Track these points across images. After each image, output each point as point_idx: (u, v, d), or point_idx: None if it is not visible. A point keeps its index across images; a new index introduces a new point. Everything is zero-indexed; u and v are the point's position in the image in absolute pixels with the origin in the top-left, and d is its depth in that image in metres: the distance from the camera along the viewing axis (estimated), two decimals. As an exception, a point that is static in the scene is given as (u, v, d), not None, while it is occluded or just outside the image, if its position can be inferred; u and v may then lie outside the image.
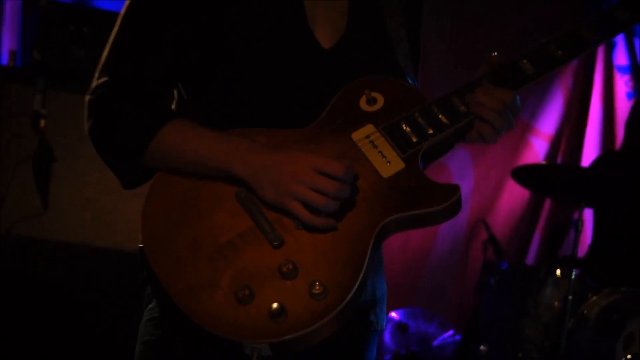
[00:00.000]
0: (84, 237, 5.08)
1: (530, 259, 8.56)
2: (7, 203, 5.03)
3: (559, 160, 8.87)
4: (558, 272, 6.84)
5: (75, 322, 4.96)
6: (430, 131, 2.63)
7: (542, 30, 8.49)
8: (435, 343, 7.64)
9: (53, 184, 5.10)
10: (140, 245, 2.55)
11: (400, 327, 7.45)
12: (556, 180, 7.29)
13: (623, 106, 8.92)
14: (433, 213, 2.56)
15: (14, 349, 4.97)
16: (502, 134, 2.68)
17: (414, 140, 2.61)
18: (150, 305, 2.70)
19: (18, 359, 5.00)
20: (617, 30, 2.78)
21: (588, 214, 7.58)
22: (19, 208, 5.05)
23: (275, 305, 2.36)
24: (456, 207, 2.58)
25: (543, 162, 8.50)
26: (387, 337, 7.36)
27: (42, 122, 5.03)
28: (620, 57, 9.15)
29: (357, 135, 2.62)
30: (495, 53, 2.73)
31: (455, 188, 2.56)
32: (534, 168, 7.52)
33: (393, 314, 7.52)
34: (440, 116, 2.64)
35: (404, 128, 2.63)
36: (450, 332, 7.74)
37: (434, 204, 2.55)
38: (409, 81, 2.80)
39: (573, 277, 6.60)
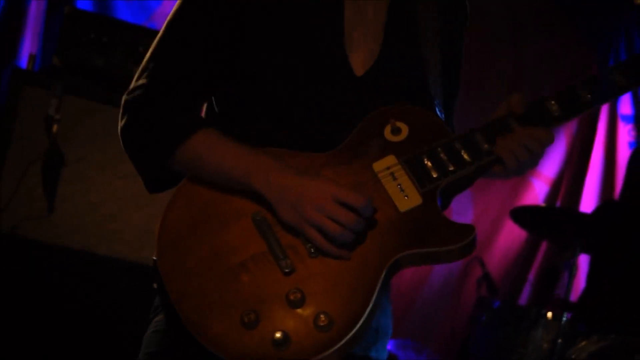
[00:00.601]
0: (86, 243, 5.08)
1: (523, 299, 8.56)
2: (14, 202, 5.03)
3: (558, 203, 8.87)
4: (549, 314, 6.86)
5: (72, 324, 4.96)
6: (451, 168, 2.62)
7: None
8: (420, 375, 7.63)
9: (60, 188, 5.10)
10: (154, 257, 2.54)
11: (389, 358, 7.45)
12: (554, 223, 7.32)
13: (625, 155, 8.92)
14: (447, 252, 2.56)
15: (12, 347, 4.97)
16: (528, 169, 2.70)
17: (434, 175, 2.60)
18: (157, 318, 2.70)
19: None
20: (614, 95, 2.79)
21: (583, 259, 7.58)
22: (25, 208, 5.05)
23: (278, 334, 2.37)
24: (471, 248, 2.57)
25: (542, 205, 8.51)
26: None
27: (55, 127, 5.04)
28: (625, 107, 9.17)
29: (378, 166, 2.61)
30: (515, 94, 2.69)
31: (470, 229, 2.55)
32: (532, 210, 7.55)
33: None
34: (462, 152, 2.63)
35: (425, 162, 2.61)
36: (439, 362, 7.75)
37: (449, 243, 2.54)
38: (437, 110, 2.80)
39: (564, 320, 6.63)
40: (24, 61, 6.59)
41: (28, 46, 6.94)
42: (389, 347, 7.06)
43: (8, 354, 4.99)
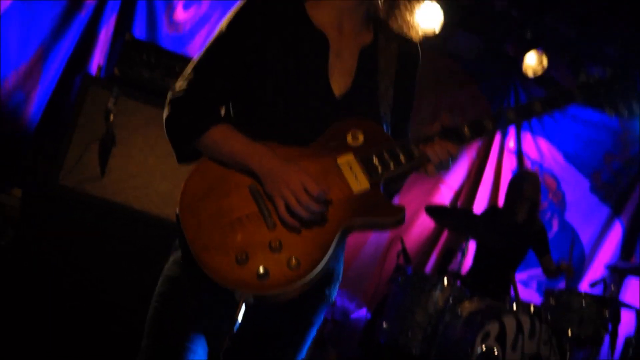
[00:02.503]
0: (125, 200, 5.09)
1: (428, 269, 8.58)
2: (77, 168, 5.02)
3: (458, 204, 8.91)
4: (445, 281, 6.85)
5: (111, 255, 4.98)
6: (392, 166, 2.64)
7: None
8: (352, 316, 7.64)
9: (110, 160, 5.10)
10: (177, 211, 2.57)
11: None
12: (454, 218, 7.35)
13: (507, 177, 8.97)
14: (385, 222, 2.63)
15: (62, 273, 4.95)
16: (439, 173, 2.74)
17: (379, 171, 2.63)
18: (176, 253, 2.70)
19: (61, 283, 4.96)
20: (505, 126, 2.83)
21: (472, 244, 7.60)
22: (85, 171, 5.05)
23: (262, 269, 2.41)
24: (401, 221, 2.62)
25: (447, 205, 8.54)
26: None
27: (111, 117, 5.03)
28: (510, 142, 9.21)
29: (341, 159, 2.63)
30: (445, 115, 2.75)
31: (402, 208, 2.61)
32: (440, 208, 7.57)
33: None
34: (400, 156, 2.65)
35: (374, 160, 2.64)
36: (364, 310, 7.76)
37: (387, 216, 2.61)
38: (384, 127, 2.81)
39: (455, 286, 6.65)
40: (93, 69, 6.58)
41: (97, 59, 6.91)
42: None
43: (64, 272, 4.95)
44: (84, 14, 6.93)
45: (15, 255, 4.96)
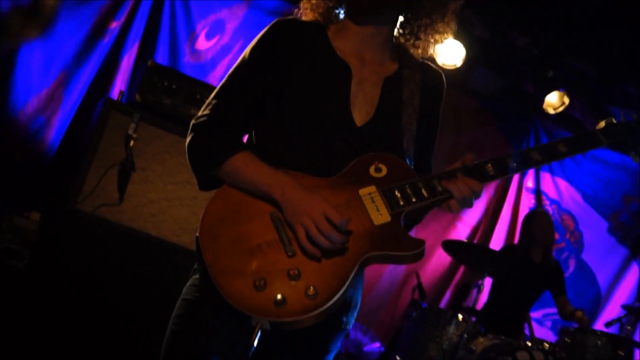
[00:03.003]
0: (143, 226, 5.10)
1: (443, 304, 8.53)
2: (96, 193, 5.04)
3: (475, 241, 8.88)
4: (460, 316, 6.85)
5: (128, 280, 4.99)
6: (414, 200, 2.62)
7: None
8: (365, 349, 7.61)
9: (129, 186, 5.12)
10: (197, 234, 2.57)
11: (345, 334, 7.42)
12: (470, 254, 7.33)
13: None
14: (404, 256, 2.58)
15: (78, 287, 4.96)
16: (463, 209, 2.72)
17: (401, 203, 2.61)
18: (195, 276, 2.70)
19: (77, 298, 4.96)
20: (529, 166, 2.81)
21: (488, 281, 7.57)
22: (103, 197, 5.07)
23: (279, 296, 2.40)
24: (420, 255, 2.59)
25: (464, 240, 8.51)
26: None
27: (132, 143, 5.05)
28: (529, 181, 9.19)
29: (363, 191, 2.62)
30: (469, 154, 2.72)
31: (422, 242, 2.57)
32: (457, 243, 7.53)
33: (341, 324, 7.48)
34: (422, 190, 2.63)
35: (396, 194, 2.62)
36: (378, 344, 7.73)
37: (407, 250, 2.56)
38: (407, 160, 2.79)
39: (469, 322, 6.62)
40: (114, 95, 6.60)
41: (119, 85, 6.95)
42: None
43: (77, 295, 4.95)
44: (107, 41, 6.98)
45: (32, 277, 4.97)
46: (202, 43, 7.31)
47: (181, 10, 7.25)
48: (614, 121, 2.93)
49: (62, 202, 5.18)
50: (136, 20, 7.09)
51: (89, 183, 5.09)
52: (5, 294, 5.34)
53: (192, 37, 7.29)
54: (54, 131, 6.78)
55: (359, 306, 2.85)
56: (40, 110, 6.72)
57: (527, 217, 7.79)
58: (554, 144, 2.80)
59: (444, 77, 3.02)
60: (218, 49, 7.26)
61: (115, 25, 7.00)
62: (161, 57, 7.09)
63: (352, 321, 2.83)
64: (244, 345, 2.55)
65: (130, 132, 5.10)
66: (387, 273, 8.40)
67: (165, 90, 5.35)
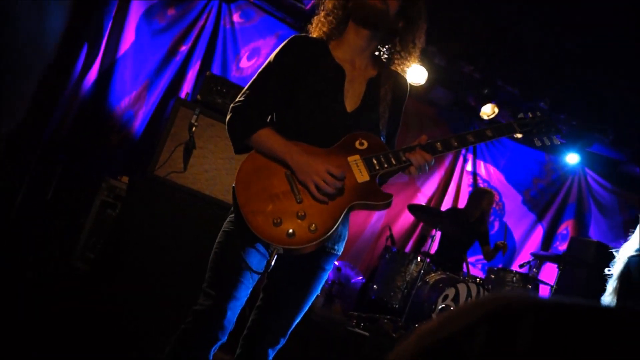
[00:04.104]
0: (200, 187, 5.07)
1: (408, 249, 8.50)
2: (167, 164, 5.00)
3: (431, 205, 8.84)
4: (419, 258, 6.84)
5: (188, 224, 4.93)
6: (386, 166, 2.63)
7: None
8: (352, 281, 7.58)
9: (191, 159, 5.07)
10: (233, 185, 2.57)
11: (338, 269, 7.41)
12: (427, 214, 7.30)
13: (465, 189, 8.99)
14: (378, 204, 2.60)
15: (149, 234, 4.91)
16: (420, 175, 2.71)
17: (377, 168, 2.62)
18: (231, 215, 2.69)
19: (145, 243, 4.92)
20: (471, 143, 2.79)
21: (438, 234, 7.54)
22: (173, 166, 5.02)
23: (291, 230, 2.42)
24: (389, 204, 2.61)
25: (423, 205, 8.47)
26: (330, 272, 7.27)
27: (193, 129, 5.01)
28: (468, 166, 9.15)
29: (350, 158, 2.63)
30: (424, 136, 2.73)
31: (390, 195, 2.61)
32: (418, 206, 7.49)
33: (336, 262, 7.46)
34: (392, 160, 2.64)
35: (373, 161, 2.63)
36: (361, 277, 7.69)
37: (380, 200, 2.59)
38: (382, 138, 2.79)
39: (425, 262, 6.60)
40: (182, 95, 6.58)
41: (186, 89, 6.92)
42: (338, 263, 6.94)
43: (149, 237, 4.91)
44: (178, 59, 6.95)
45: (122, 221, 4.95)
46: (244, 63, 7.27)
47: (230, 40, 7.22)
48: (525, 116, 2.98)
49: (144, 169, 5.15)
50: (199, 45, 7.06)
51: (163, 156, 5.06)
52: (105, 234, 5.33)
53: (237, 58, 7.25)
54: (139, 121, 6.76)
55: (346, 238, 2.82)
56: (131, 106, 6.69)
57: (479, 192, 7.77)
58: (483, 130, 2.80)
59: (408, 83, 3.01)
60: (255, 67, 7.20)
61: (184, 48, 6.96)
62: (215, 70, 7.07)
63: (341, 249, 2.81)
64: (265, 264, 2.60)
65: (193, 121, 5.06)
66: (368, 228, 8.37)
67: (218, 92, 5.31)
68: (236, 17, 7.20)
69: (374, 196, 2.59)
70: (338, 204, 2.52)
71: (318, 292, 2.80)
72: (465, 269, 7.34)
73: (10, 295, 4.59)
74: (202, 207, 4.97)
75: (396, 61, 2.93)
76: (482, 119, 8.01)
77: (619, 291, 3.98)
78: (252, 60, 7.28)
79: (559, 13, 5.95)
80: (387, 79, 2.87)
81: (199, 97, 5.27)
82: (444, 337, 0.75)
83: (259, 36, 7.33)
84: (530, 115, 2.97)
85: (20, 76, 5.14)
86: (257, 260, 2.59)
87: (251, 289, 2.64)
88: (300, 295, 2.73)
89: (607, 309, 0.72)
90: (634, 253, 3.80)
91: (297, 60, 2.75)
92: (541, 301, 0.74)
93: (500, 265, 7.90)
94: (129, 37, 6.60)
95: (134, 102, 6.69)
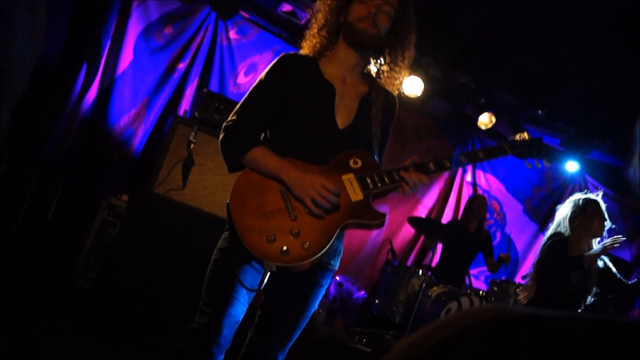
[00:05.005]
0: (199, 204, 5.11)
1: (409, 263, 8.48)
2: (167, 181, 5.04)
3: (431, 217, 8.84)
4: (420, 271, 6.84)
5: (186, 241, 4.94)
6: (379, 185, 2.65)
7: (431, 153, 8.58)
8: (354, 296, 7.58)
9: (190, 176, 5.11)
10: (228, 201, 2.60)
11: (339, 284, 7.40)
12: (427, 227, 7.31)
13: (465, 200, 8.91)
14: (371, 224, 2.63)
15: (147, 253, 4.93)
16: (412, 194, 2.74)
17: (371, 187, 2.64)
18: (226, 232, 2.72)
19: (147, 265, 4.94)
20: (466, 164, 2.83)
21: (440, 246, 7.54)
22: (172, 183, 5.06)
23: (285, 247, 2.44)
24: (382, 224, 2.63)
25: (423, 217, 8.47)
26: (331, 288, 7.29)
27: (192, 146, 5.05)
28: (468, 176, 9.15)
29: (344, 177, 2.65)
30: (415, 156, 2.77)
31: (383, 215, 2.62)
32: (418, 219, 7.51)
33: (337, 277, 7.47)
34: (385, 178, 2.66)
35: (367, 180, 2.65)
36: (362, 292, 7.69)
37: (373, 220, 2.61)
38: (375, 156, 2.82)
39: (427, 275, 6.61)
40: (180, 112, 6.62)
41: (184, 106, 6.95)
42: (339, 278, 6.96)
43: (148, 256, 4.94)
44: (176, 76, 6.99)
45: (122, 239, 4.98)
46: (241, 79, 7.32)
47: (227, 56, 7.26)
48: (517, 138, 3.01)
49: (143, 187, 5.19)
50: (196, 63, 7.09)
51: (162, 174, 5.10)
52: (105, 252, 5.35)
53: (235, 74, 7.29)
54: (139, 139, 6.79)
55: (341, 253, 2.83)
56: (130, 124, 6.73)
57: (471, 198, 7.78)
58: (475, 152, 2.85)
59: (397, 101, 3.02)
60: (252, 83, 7.14)
61: (182, 66, 7.00)
62: (213, 87, 7.10)
63: (337, 264, 2.83)
64: (257, 280, 2.60)
65: (191, 138, 5.11)
66: (369, 242, 8.36)
67: (216, 109, 5.35)
68: (232, 34, 7.25)
69: (367, 215, 2.61)
70: (332, 222, 2.54)
71: (316, 307, 2.81)
72: (467, 282, 7.34)
73: (11, 312, 4.61)
74: (202, 224, 4.99)
75: (386, 74, 2.96)
76: (480, 129, 8.03)
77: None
78: (250, 75, 7.32)
79: (554, 20, 6.00)
80: (378, 96, 2.89)
81: (197, 114, 5.31)
82: (427, 349, 0.75)
83: (255, 52, 7.37)
84: (522, 138, 3.00)
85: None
86: (252, 277, 2.60)
87: (247, 305, 2.65)
88: (297, 312, 2.74)
89: (602, 321, 0.72)
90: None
91: (288, 77, 2.76)
92: (534, 313, 0.73)
93: (503, 278, 7.88)
94: (127, 55, 6.65)
95: (133, 120, 6.73)
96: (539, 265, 5.09)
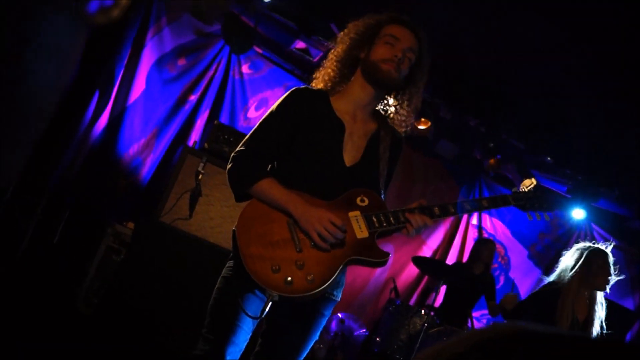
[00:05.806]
0: (205, 234, 5.14)
1: (412, 302, 8.45)
2: (173, 210, 5.07)
3: (435, 258, 8.82)
4: (422, 311, 6.80)
5: (192, 269, 4.95)
6: (385, 224, 2.69)
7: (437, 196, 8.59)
8: (355, 333, 7.54)
9: (197, 206, 5.13)
10: (234, 228, 2.63)
11: (341, 321, 7.37)
12: (432, 267, 7.30)
13: (470, 242, 8.93)
14: (374, 262, 2.66)
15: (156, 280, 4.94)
16: (416, 235, 2.76)
17: (376, 225, 2.68)
18: (230, 261, 2.75)
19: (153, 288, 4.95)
20: (474, 210, 2.91)
21: (443, 287, 7.52)
22: (178, 213, 5.08)
23: (289, 278, 2.47)
24: (385, 263, 2.66)
25: (428, 257, 8.45)
26: (333, 324, 7.27)
27: (200, 176, 5.09)
28: (474, 219, 9.14)
29: (351, 214, 2.69)
30: (423, 199, 2.81)
31: (387, 254, 2.66)
32: (423, 259, 7.50)
33: (339, 314, 7.45)
34: (391, 218, 2.70)
35: (373, 219, 2.69)
36: (364, 329, 7.65)
37: (376, 258, 2.65)
38: (382, 195, 2.86)
39: (429, 315, 6.58)
40: (190, 143, 6.67)
41: (194, 137, 7.02)
42: (342, 316, 6.91)
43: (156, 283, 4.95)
44: (187, 107, 7.07)
45: (126, 267, 4.99)
46: (252, 113, 7.40)
47: (239, 90, 7.35)
48: (522, 189, 3.07)
49: (150, 215, 5.21)
50: (208, 95, 7.19)
51: (169, 203, 5.13)
52: (108, 278, 5.36)
53: (245, 108, 7.38)
54: (147, 168, 6.86)
55: (344, 284, 2.87)
56: (139, 153, 6.79)
57: (480, 242, 7.77)
58: (480, 200, 2.93)
59: (403, 141, 3.08)
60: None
61: (193, 97, 7.10)
62: (223, 119, 7.17)
63: (340, 295, 2.85)
64: (260, 308, 2.61)
65: (200, 169, 5.16)
66: (372, 280, 8.35)
67: (226, 141, 5.41)
68: (245, 68, 7.36)
69: (371, 253, 2.64)
70: (337, 256, 2.58)
71: (317, 337, 2.83)
72: (470, 324, 7.31)
73: (13, 336, 4.61)
74: (206, 255, 5.02)
75: (395, 115, 3.02)
76: (488, 173, 8.06)
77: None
78: (260, 110, 7.40)
79: (563, 65, 6.07)
80: (386, 134, 2.94)
81: (206, 145, 5.37)
82: None
83: (267, 87, 7.47)
84: (528, 188, 3.06)
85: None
86: (255, 305, 2.62)
87: (250, 334, 2.68)
88: (298, 341, 2.76)
89: (592, 339, 0.75)
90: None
91: (298, 111, 2.81)
92: (530, 330, 0.77)
93: (505, 322, 7.84)
94: (139, 85, 6.74)
95: (142, 149, 6.80)
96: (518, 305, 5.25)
